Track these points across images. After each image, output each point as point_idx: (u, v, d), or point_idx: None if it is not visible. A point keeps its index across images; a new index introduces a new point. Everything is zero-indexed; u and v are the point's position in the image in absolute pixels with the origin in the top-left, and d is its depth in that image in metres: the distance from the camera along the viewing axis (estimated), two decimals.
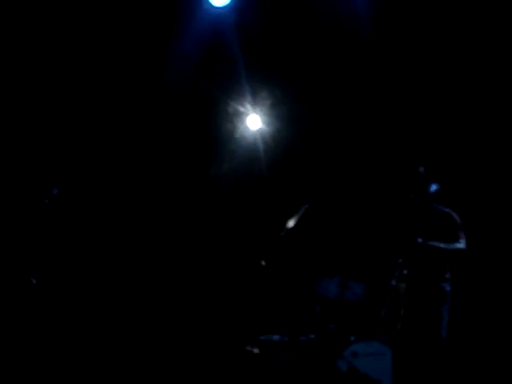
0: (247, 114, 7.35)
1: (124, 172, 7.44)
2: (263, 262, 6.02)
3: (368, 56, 6.97)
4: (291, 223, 6.06)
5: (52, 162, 7.15)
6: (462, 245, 5.71)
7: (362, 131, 7.31)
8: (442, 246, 5.66)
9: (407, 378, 5.63)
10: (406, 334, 5.77)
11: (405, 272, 5.68)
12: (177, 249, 7.48)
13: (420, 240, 5.63)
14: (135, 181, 7.47)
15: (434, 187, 5.83)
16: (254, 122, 7.36)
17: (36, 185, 6.71)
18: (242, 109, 7.32)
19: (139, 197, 7.50)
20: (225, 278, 7.42)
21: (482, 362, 6.55)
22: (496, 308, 6.80)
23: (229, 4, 6.76)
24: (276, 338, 6.20)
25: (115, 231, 7.34)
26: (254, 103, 7.28)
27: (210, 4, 6.74)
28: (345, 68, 7.18)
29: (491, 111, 6.95)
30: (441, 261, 5.76)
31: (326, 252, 7.25)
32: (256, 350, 6.06)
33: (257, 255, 6.15)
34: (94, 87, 7.26)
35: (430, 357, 5.62)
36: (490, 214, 6.89)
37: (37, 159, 7.13)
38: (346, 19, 6.82)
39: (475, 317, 6.76)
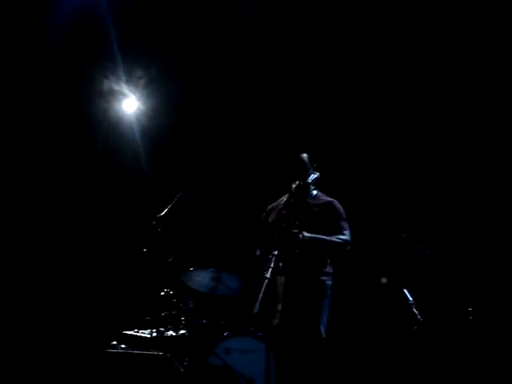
0: (123, 95, 6.92)
1: None
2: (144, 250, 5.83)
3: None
4: (164, 211, 5.76)
5: None
6: (345, 236, 5.41)
7: (239, 106, 7.04)
8: (322, 237, 5.32)
9: (283, 375, 5.31)
10: (283, 329, 5.42)
11: (280, 265, 5.31)
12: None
13: (297, 231, 5.25)
14: None
15: (314, 175, 5.48)
16: (130, 103, 6.97)
17: None
18: (117, 87, 6.88)
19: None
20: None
21: (363, 359, 6.37)
22: (381, 303, 6.60)
23: None
24: (144, 332, 5.85)
25: None
26: (130, 82, 6.88)
27: None
28: (225, 43, 6.87)
29: None
30: (321, 253, 5.43)
31: (199, 242, 6.91)
32: (121, 346, 5.65)
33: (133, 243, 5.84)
34: None
35: (307, 353, 5.30)
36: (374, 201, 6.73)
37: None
38: None
39: (358, 312, 6.56)
